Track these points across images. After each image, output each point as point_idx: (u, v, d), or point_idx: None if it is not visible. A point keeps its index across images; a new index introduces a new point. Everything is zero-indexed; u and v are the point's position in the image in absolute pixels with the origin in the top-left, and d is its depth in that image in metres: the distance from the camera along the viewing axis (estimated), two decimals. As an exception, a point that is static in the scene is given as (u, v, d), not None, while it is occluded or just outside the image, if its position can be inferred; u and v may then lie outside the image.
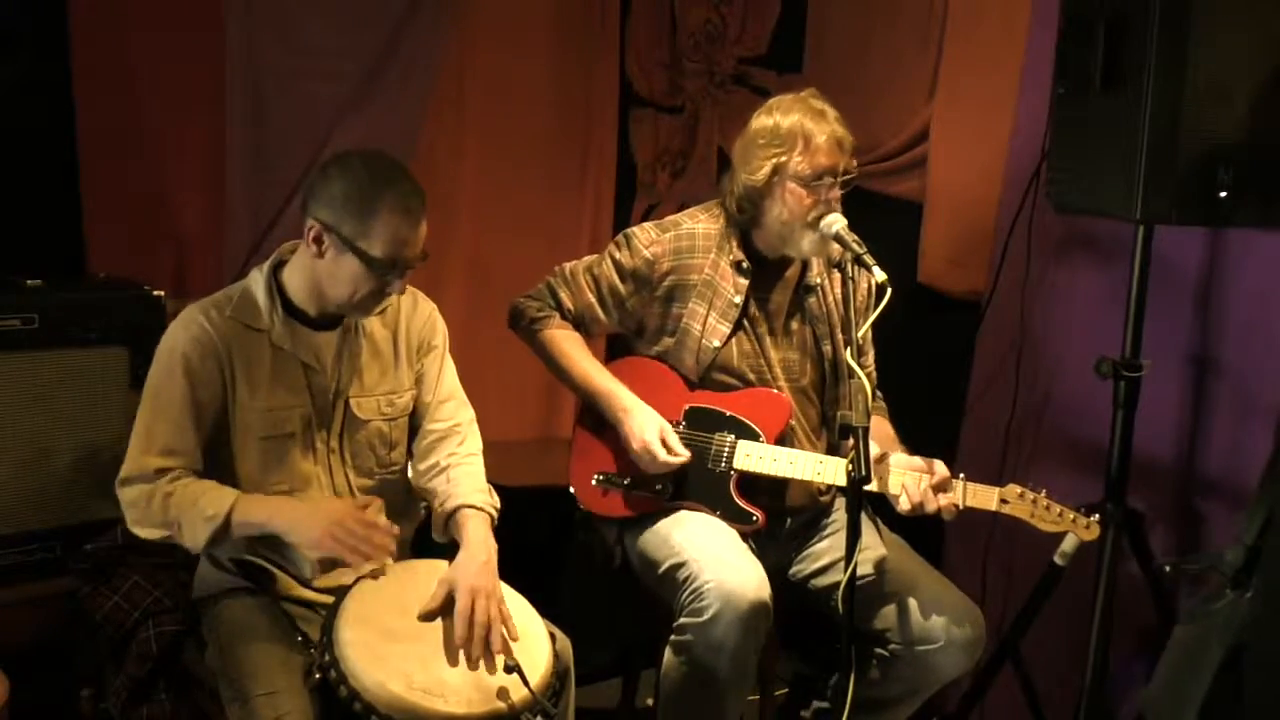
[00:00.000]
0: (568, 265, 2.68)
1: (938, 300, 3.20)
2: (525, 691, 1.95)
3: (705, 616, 2.29)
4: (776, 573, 2.50)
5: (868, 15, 3.40)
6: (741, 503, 2.50)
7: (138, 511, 2.10)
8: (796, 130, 2.43)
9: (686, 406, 2.55)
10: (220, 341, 2.12)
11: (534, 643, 2.09)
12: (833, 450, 2.59)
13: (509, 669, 1.95)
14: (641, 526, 2.53)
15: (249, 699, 1.98)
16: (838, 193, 2.43)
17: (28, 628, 2.61)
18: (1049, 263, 2.90)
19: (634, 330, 2.66)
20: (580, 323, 2.66)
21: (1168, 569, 2.41)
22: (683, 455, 2.47)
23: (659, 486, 2.52)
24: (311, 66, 3.44)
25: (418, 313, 2.33)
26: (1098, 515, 2.36)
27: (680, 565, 2.38)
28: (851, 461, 2.07)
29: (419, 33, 3.59)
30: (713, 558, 2.35)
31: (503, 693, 1.94)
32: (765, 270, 2.58)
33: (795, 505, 2.59)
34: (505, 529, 2.22)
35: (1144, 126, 2.17)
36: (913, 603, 2.44)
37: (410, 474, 2.35)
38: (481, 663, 1.99)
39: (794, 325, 2.61)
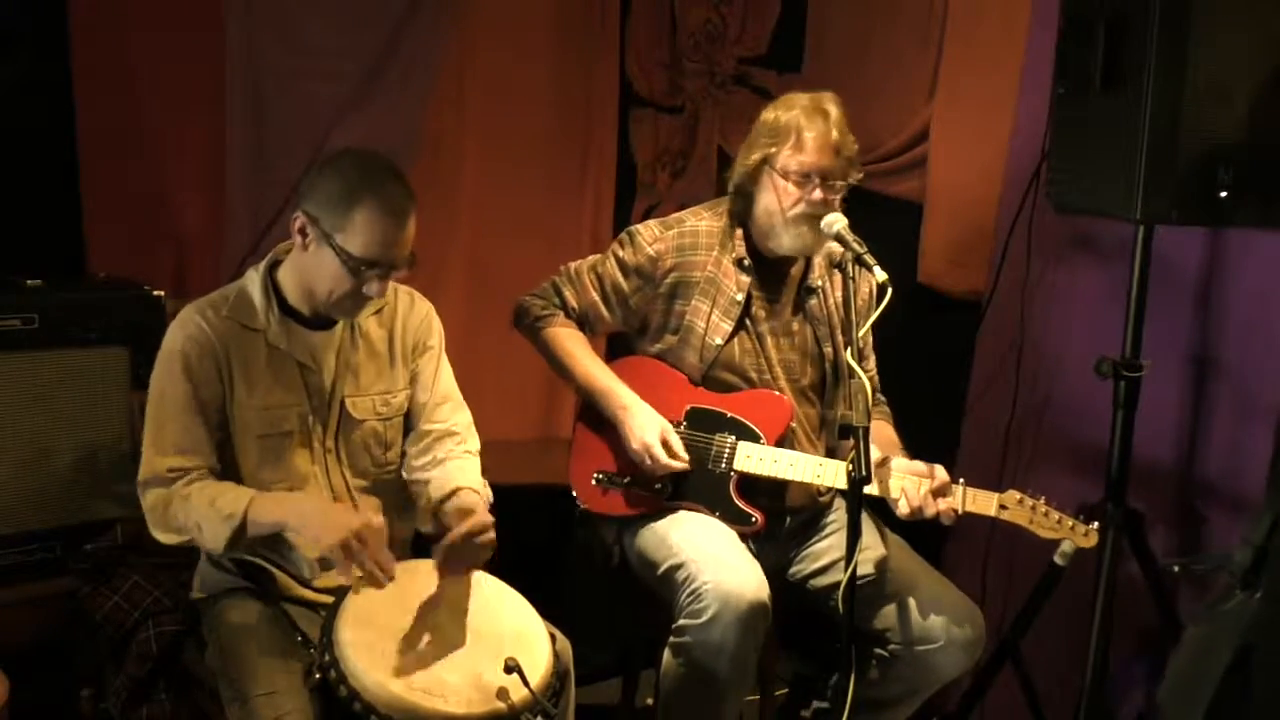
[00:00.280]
0: (572, 264, 2.69)
1: (938, 300, 3.20)
2: (525, 691, 1.94)
3: (704, 618, 2.29)
4: (776, 573, 2.50)
5: (868, 15, 3.40)
6: (741, 504, 2.50)
7: (156, 516, 2.10)
8: (790, 125, 2.44)
9: (687, 407, 2.55)
10: (217, 341, 2.12)
11: (534, 643, 2.08)
12: (832, 452, 2.60)
13: (509, 669, 1.95)
14: (640, 526, 2.53)
15: (249, 699, 1.98)
16: (825, 196, 2.42)
17: (28, 628, 2.61)
18: (1049, 263, 2.90)
19: (637, 328, 2.66)
20: (584, 321, 2.66)
21: (1175, 569, 2.41)
22: (682, 460, 2.47)
23: (658, 486, 2.52)
24: (311, 66, 3.44)
25: (414, 312, 2.32)
26: (1096, 522, 2.36)
27: (679, 566, 2.38)
28: (852, 462, 2.07)
29: (419, 33, 3.59)
30: (711, 559, 2.35)
31: (502, 693, 1.93)
32: (767, 270, 2.58)
33: (795, 505, 2.59)
34: (505, 529, 2.21)
35: (1144, 126, 2.17)
36: (913, 602, 2.44)
37: (404, 470, 2.34)
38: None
39: (795, 326, 2.60)
